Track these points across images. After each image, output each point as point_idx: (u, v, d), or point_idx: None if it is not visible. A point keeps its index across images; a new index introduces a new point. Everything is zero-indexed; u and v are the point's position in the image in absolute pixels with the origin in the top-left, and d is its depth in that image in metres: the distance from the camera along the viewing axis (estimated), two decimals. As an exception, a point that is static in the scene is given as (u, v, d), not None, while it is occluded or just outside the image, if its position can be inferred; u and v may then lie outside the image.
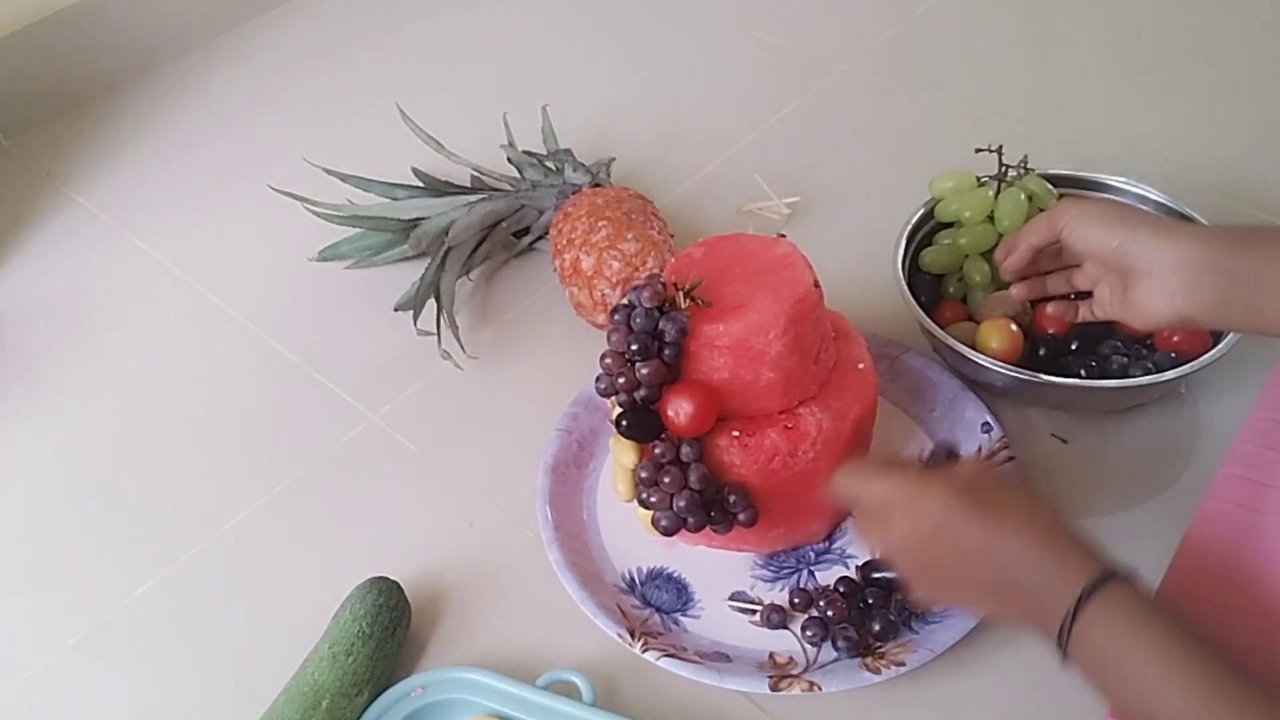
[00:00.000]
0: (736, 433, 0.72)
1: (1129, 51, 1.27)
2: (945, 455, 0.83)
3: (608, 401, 0.76)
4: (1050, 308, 0.80)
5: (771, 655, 0.73)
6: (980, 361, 0.82)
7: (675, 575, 0.79)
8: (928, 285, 0.91)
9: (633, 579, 0.79)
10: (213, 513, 0.89)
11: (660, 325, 0.70)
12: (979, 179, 0.91)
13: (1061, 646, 0.54)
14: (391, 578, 0.78)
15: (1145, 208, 0.92)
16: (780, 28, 1.36)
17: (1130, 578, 0.55)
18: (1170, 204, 0.91)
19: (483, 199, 1.03)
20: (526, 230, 1.06)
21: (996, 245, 0.90)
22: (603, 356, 0.72)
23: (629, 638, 0.73)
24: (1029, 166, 0.91)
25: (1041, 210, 0.91)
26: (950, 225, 0.93)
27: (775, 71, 1.30)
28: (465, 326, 1.00)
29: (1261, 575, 0.59)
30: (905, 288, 0.87)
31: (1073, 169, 0.95)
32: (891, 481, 0.63)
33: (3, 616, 0.84)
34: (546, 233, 1.02)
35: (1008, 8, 1.35)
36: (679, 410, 0.70)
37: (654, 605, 0.77)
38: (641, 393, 0.70)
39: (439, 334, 0.95)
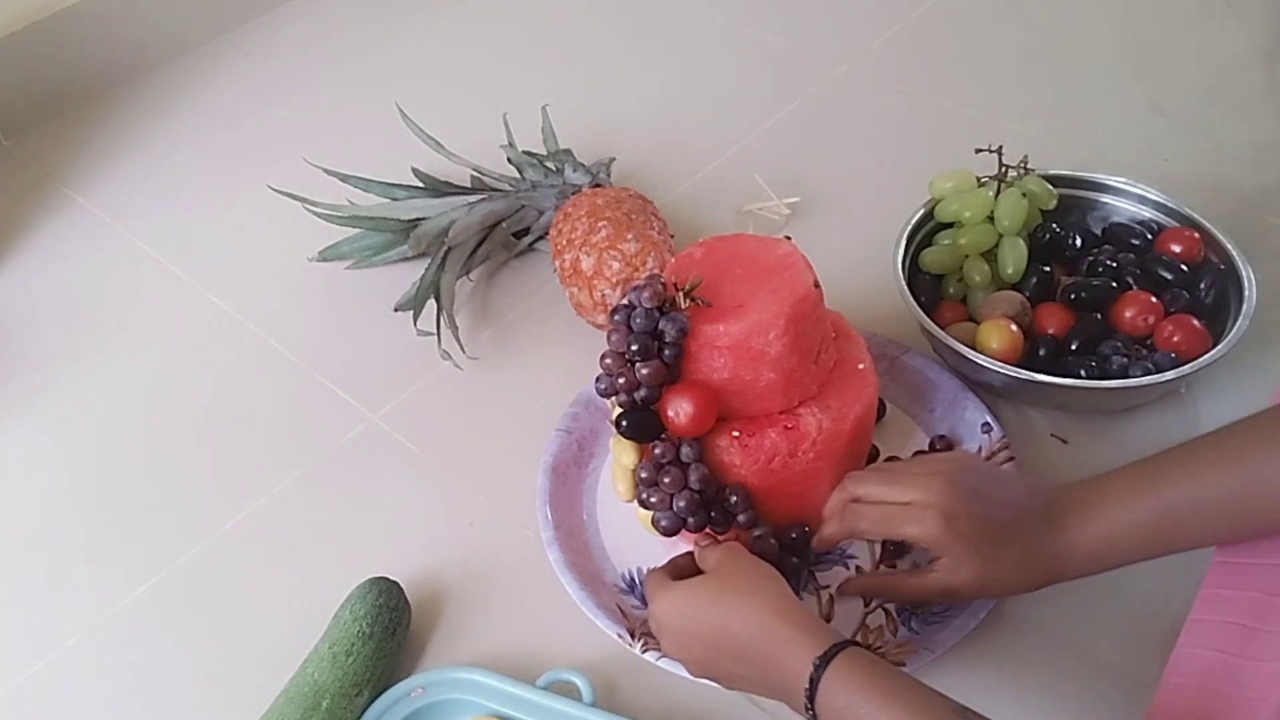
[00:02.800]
0: (736, 433, 0.72)
1: (1129, 50, 1.27)
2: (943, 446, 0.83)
3: (608, 402, 0.76)
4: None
5: (771, 655, 0.73)
6: (980, 361, 0.82)
7: (675, 575, 0.79)
8: (928, 285, 0.91)
9: (633, 579, 0.79)
10: (213, 513, 0.89)
11: (660, 325, 0.70)
12: (979, 179, 0.91)
13: (809, 715, 0.58)
14: (391, 578, 0.78)
15: (1145, 209, 0.93)
16: (780, 28, 1.36)
17: (858, 644, 0.59)
18: (1170, 204, 0.91)
19: (483, 199, 1.03)
20: (526, 230, 1.06)
21: (997, 245, 0.90)
22: (603, 357, 0.72)
23: (629, 638, 0.73)
24: (1029, 166, 0.91)
25: (1042, 210, 0.92)
26: (950, 225, 0.93)
27: (775, 71, 1.30)
28: (465, 327, 1.00)
29: None
30: (905, 288, 0.87)
31: (1073, 169, 0.95)
32: (652, 587, 0.68)
33: (2, 616, 0.84)
34: (546, 233, 1.02)
35: (1008, 8, 1.35)
36: (679, 410, 0.70)
37: (654, 605, 0.77)
38: (641, 393, 0.70)
39: (439, 334, 0.95)
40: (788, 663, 0.59)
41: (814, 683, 0.57)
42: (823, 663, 0.57)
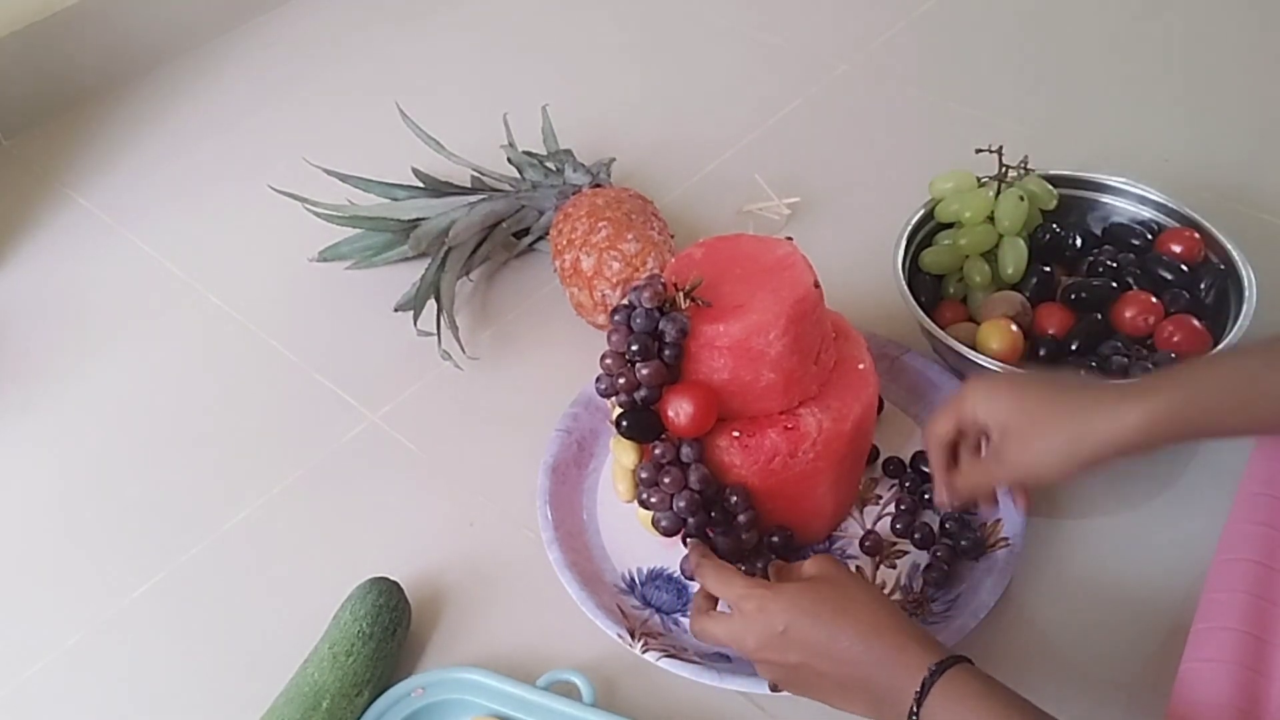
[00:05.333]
0: (736, 433, 0.72)
1: (1129, 51, 1.27)
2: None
3: (608, 402, 0.76)
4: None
5: (771, 655, 0.73)
6: (980, 361, 0.82)
7: (675, 575, 0.79)
8: (928, 285, 0.91)
9: (633, 579, 0.79)
10: (213, 512, 0.89)
11: (660, 326, 0.70)
12: (979, 179, 0.91)
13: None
14: (391, 578, 0.78)
15: (1145, 209, 0.93)
16: (781, 28, 1.36)
17: (968, 662, 0.58)
18: (1170, 204, 0.91)
19: (483, 199, 1.03)
20: (526, 231, 1.06)
21: (997, 245, 0.90)
22: (603, 357, 0.72)
23: (629, 638, 0.73)
24: (1029, 167, 0.91)
25: (1042, 210, 0.91)
26: (950, 226, 0.93)
27: (775, 71, 1.30)
28: (465, 327, 1.00)
29: None
30: (905, 288, 0.87)
31: (1073, 169, 0.95)
32: (746, 584, 0.65)
33: (3, 616, 0.84)
34: (546, 233, 1.02)
35: (1008, 8, 1.36)
36: (679, 410, 0.70)
37: (654, 605, 0.77)
38: (641, 393, 0.70)
39: (439, 334, 0.95)
40: (898, 673, 0.58)
41: (925, 688, 0.56)
42: (937, 671, 0.57)
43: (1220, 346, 0.80)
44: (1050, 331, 0.86)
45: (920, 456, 0.82)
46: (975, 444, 0.70)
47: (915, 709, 0.57)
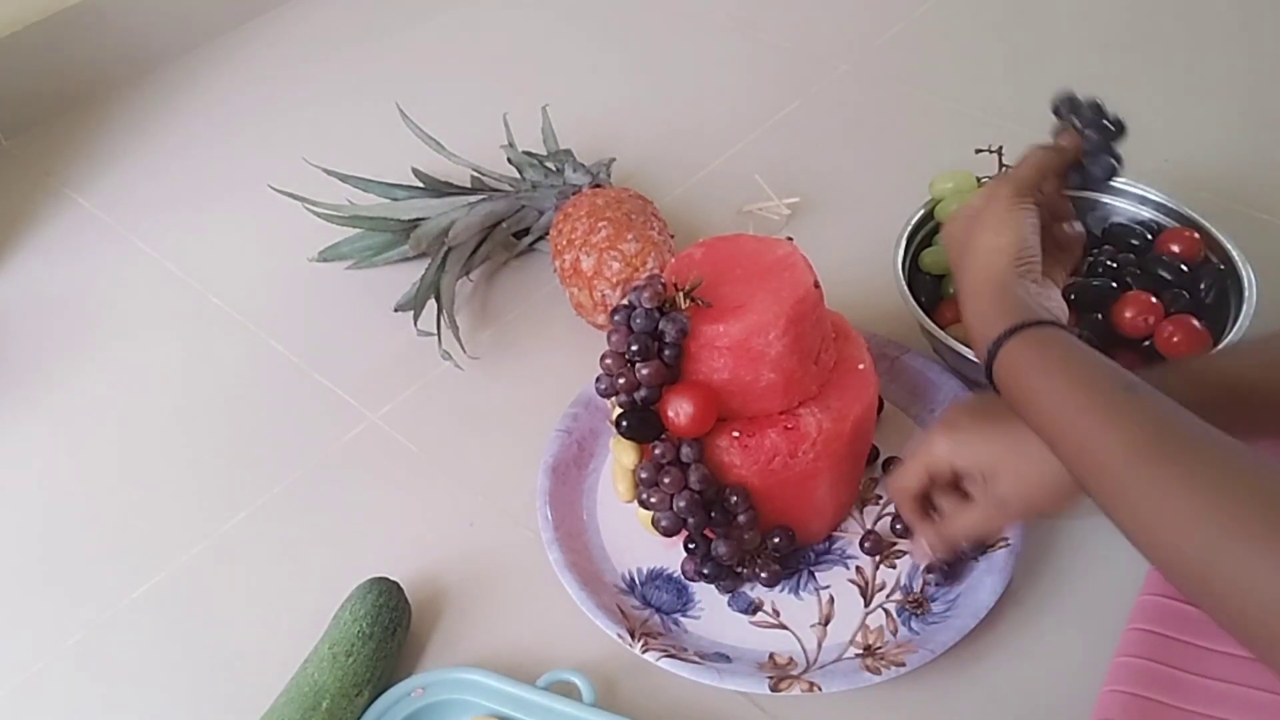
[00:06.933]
0: (736, 433, 0.72)
1: (1129, 51, 1.27)
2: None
3: (608, 402, 0.76)
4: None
5: (771, 656, 0.73)
6: (980, 362, 0.82)
7: (675, 575, 0.79)
8: (928, 285, 0.90)
9: (633, 579, 0.79)
10: (213, 513, 0.89)
11: (660, 326, 0.70)
12: (979, 179, 0.91)
13: (988, 371, 0.61)
14: (391, 578, 0.78)
15: (1145, 209, 0.93)
16: (780, 28, 1.36)
17: (1061, 326, 0.61)
18: (1170, 204, 0.91)
19: (483, 199, 1.03)
20: (526, 231, 1.06)
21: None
22: (603, 357, 0.72)
23: (629, 638, 0.73)
24: (1029, 167, 0.91)
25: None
26: (950, 225, 0.93)
27: (775, 71, 1.30)
28: (465, 327, 1.00)
29: None
30: (905, 288, 0.87)
31: (1073, 169, 0.95)
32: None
33: (2, 617, 0.84)
34: (546, 233, 1.02)
35: (1008, 8, 1.35)
36: (679, 411, 0.70)
37: (654, 605, 0.77)
38: (641, 393, 0.70)
39: (439, 334, 0.95)
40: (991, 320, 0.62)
41: (998, 345, 0.60)
42: (1007, 335, 0.60)
43: (1220, 346, 0.80)
44: (1050, 331, 0.86)
45: None
46: (954, 488, 0.69)
47: (995, 351, 0.60)
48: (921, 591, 0.76)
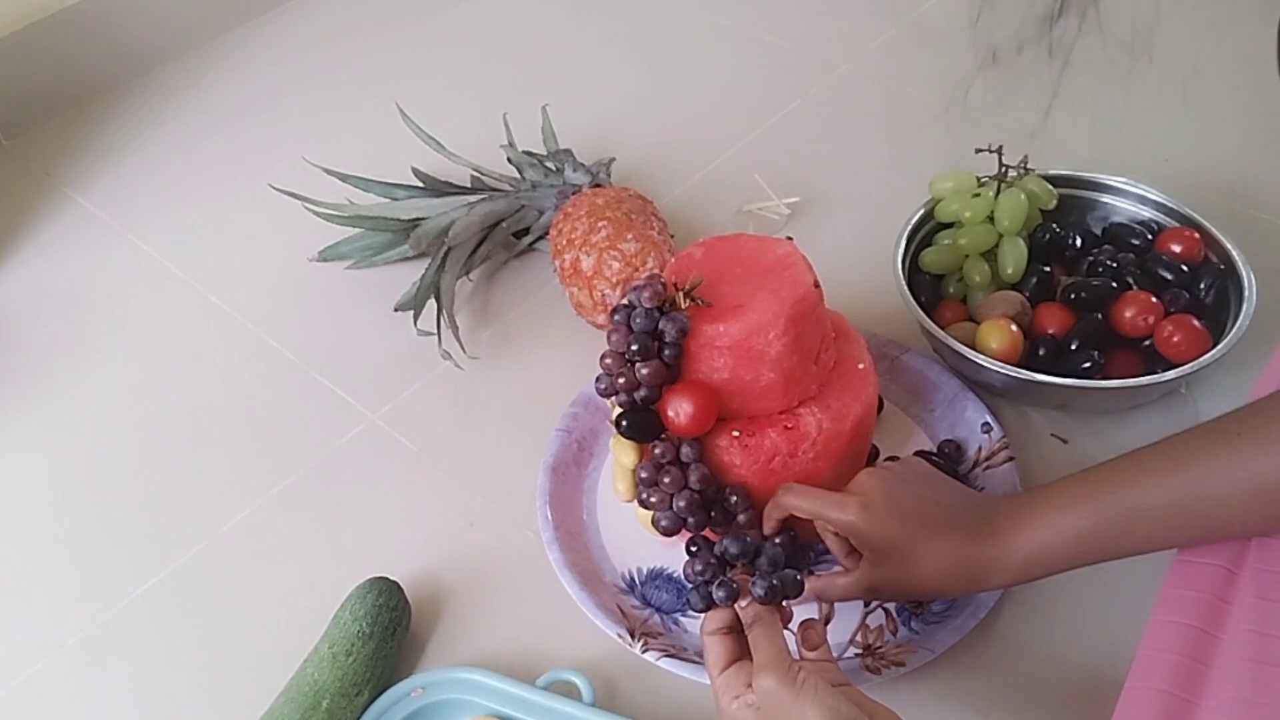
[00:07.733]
0: (736, 433, 0.72)
1: (1128, 51, 1.27)
2: None
3: (608, 402, 0.76)
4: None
5: (771, 655, 0.73)
6: (980, 361, 0.82)
7: (675, 575, 0.79)
8: (928, 285, 0.91)
9: (633, 579, 0.79)
10: (213, 513, 0.89)
11: (660, 325, 0.70)
12: (979, 179, 0.91)
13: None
14: (391, 578, 0.78)
15: (1145, 209, 0.93)
16: (781, 28, 1.36)
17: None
18: (1170, 204, 0.91)
19: (483, 199, 1.03)
20: (526, 230, 1.06)
21: (997, 245, 0.90)
22: (603, 356, 0.72)
23: (629, 638, 0.73)
24: (1029, 167, 0.91)
25: (1042, 210, 0.91)
26: (950, 225, 0.93)
27: (775, 71, 1.30)
28: (465, 327, 1.00)
29: None
30: (905, 288, 0.87)
31: (1073, 169, 0.95)
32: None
33: (3, 617, 0.84)
34: (546, 233, 1.02)
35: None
36: (679, 410, 0.70)
37: (654, 605, 0.77)
38: (641, 393, 0.70)
39: (439, 334, 0.95)
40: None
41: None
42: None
43: (1219, 346, 0.80)
44: (1050, 331, 0.86)
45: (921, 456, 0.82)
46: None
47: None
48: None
